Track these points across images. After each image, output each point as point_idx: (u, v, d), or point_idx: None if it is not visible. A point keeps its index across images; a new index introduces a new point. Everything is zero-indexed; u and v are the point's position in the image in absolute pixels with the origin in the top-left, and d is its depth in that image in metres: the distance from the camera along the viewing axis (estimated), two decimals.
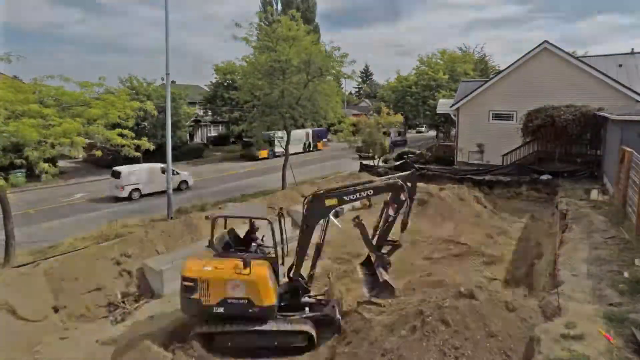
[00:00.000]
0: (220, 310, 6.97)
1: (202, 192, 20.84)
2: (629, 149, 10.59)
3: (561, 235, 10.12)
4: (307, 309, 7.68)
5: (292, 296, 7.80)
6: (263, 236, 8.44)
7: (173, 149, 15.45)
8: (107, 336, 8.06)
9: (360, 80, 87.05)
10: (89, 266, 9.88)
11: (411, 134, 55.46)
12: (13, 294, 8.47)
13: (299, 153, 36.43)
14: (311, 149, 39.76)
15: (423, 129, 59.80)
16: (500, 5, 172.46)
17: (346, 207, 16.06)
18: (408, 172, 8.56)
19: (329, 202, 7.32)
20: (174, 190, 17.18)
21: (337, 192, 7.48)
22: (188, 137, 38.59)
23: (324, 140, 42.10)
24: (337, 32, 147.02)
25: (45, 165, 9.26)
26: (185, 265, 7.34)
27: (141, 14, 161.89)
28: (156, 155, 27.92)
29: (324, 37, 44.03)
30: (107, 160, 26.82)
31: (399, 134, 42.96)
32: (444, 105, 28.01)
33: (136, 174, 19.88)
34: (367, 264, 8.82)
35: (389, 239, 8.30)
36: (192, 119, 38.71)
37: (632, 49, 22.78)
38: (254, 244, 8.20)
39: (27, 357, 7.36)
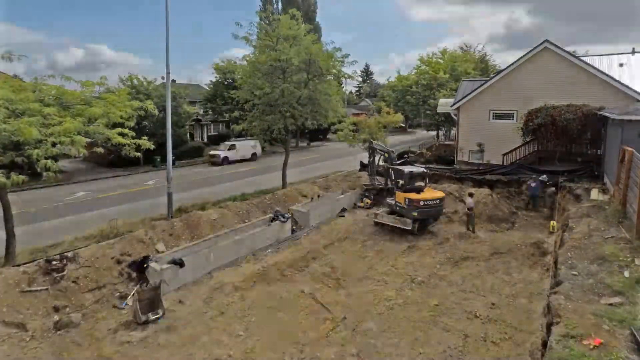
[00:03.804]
0: (439, 208, 14.34)
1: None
2: (629, 148, 10.57)
3: (562, 235, 10.12)
4: None
5: None
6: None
7: (173, 147, 15.45)
8: (107, 335, 8.08)
9: (360, 79, 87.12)
10: (90, 265, 9.89)
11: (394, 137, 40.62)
12: (14, 293, 8.50)
13: None
14: None
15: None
16: None
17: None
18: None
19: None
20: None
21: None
22: (188, 136, 38.59)
23: None
24: None
25: (48, 162, 9.27)
26: (429, 194, 14.14)
27: None
28: (157, 153, 28.09)
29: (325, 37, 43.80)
30: (108, 160, 26.88)
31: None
32: (444, 104, 28.00)
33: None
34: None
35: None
36: (193, 118, 38.70)
37: (633, 48, 22.73)
38: None
39: (27, 357, 7.37)
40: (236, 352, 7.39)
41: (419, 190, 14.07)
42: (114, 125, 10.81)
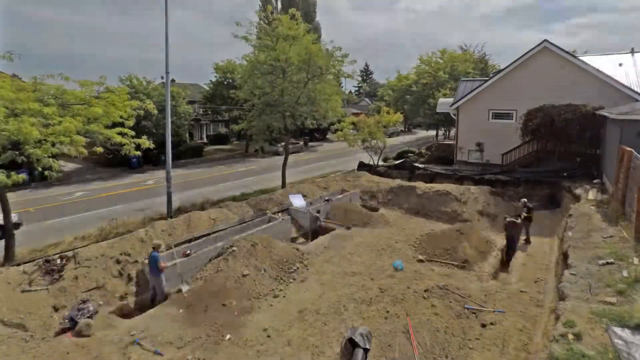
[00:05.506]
0: None
1: None
2: (628, 148, 10.60)
3: (562, 234, 10.14)
4: None
5: None
6: None
7: (173, 147, 15.48)
8: (106, 334, 8.08)
9: (360, 79, 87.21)
10: (89, 265, 9.89)
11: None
12: (13, 293, 8.49)
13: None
14: None
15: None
16: None
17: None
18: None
19: None
20: None
21: None
22: (188, 136, 38.59)
23: None
24: None
25: (50, 160, 9.27)
26: None
27: None
28: (156, 153, 28.06)
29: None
30: (107, 160, 26.87)
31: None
32: (443, 104, 28.01)
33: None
34: None
35: None
36: (192, 117, 38.70)
37: (632, 48, 22.74)
38: None
39: (26, 357, 7.37)
40: None
41: None
42: (114, 125, 10.81)
